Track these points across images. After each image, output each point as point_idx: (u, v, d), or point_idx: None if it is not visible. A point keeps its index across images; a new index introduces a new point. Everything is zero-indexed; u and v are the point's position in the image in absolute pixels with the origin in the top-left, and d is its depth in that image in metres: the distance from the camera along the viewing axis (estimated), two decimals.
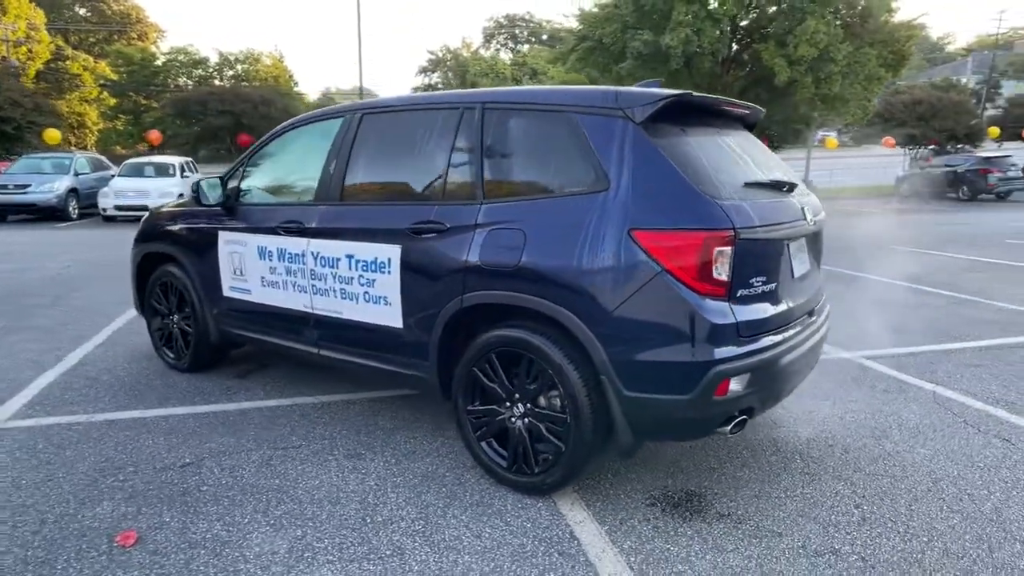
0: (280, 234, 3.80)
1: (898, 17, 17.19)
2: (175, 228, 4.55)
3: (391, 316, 3.35)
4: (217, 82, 46.63)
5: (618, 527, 2.78)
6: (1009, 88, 47.94)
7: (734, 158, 3.03)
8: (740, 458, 3.40)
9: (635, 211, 2.64)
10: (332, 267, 3.55)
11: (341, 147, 3.64)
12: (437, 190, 3.25)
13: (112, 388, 4.39)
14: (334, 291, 3.57)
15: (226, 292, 4.21)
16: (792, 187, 3.16)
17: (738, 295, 2.66)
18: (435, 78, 56.44)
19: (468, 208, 3.08)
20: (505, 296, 2.91)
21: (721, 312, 2.59)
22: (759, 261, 2.77)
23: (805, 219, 3.11)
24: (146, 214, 5.05)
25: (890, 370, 4.76)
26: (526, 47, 56.68)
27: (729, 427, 2.72)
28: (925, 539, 2.69)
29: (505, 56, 56.00)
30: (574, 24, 20.66)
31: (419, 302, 3.23)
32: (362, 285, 3.44)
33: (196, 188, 4.08)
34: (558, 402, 2.90)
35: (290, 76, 50.06)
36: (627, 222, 2.64)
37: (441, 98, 3.49)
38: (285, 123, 4.18)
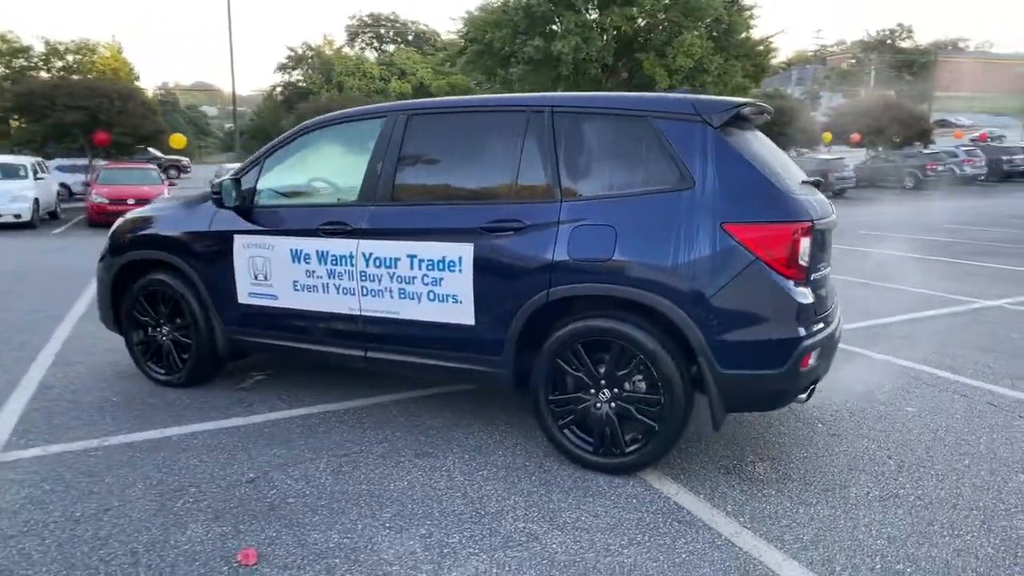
0: (319, 236, 3.69)
1: (758, 34, 19.16)
2: (169, 233, 4.23)
3: (461, 313, 3.39)
4: (44, 74, 41.65)
5: (711, 495, 3.05)
6: (826, 98, 54.46)
7: (782, 157, 3.41)
8: (773, 427, 3.80)
9: (723, 207, 2.93)
10: (389, 267, 3.52)
11: (388, 148, 3.62)
12: (508, 190, 3.34)
13: (104, 409, 4.01)
14: (390, 292, 3.54)
15: (242, 299, 3.99)
16: (820, 184, 3.60)
17: (811, 279, 3.03)
18: (296, 75, 54.04)
19: (548, 207, 3.21)
20: (599, 288, 3.09)
21: (803, 294, 2.95)
22: (819, 249, 3.16)
23: (833, 213, 3.57)
24: (119, 221, 4.62)
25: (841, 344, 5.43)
26: (392, 47, 55.86)
27: (806, 395, 3.08)
28: (954, 477, 3.22)
29: (371, 55, 54.81)
30: (459, 26, 20.85)
31: (496, 298, 3.31)
32: (426, 284, 3.45)
33: (219, 189, 3.83)
34: (643, 385, 3.12)
35: (131, 69, 45.86)
36: (718, 216, 2.92)
37: (502, 101, 3.59)
38: (307, 123, 4.03)
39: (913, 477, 3.22)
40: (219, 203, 3.90)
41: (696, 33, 17.07)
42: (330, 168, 4.03)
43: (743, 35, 18.42)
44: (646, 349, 3.02)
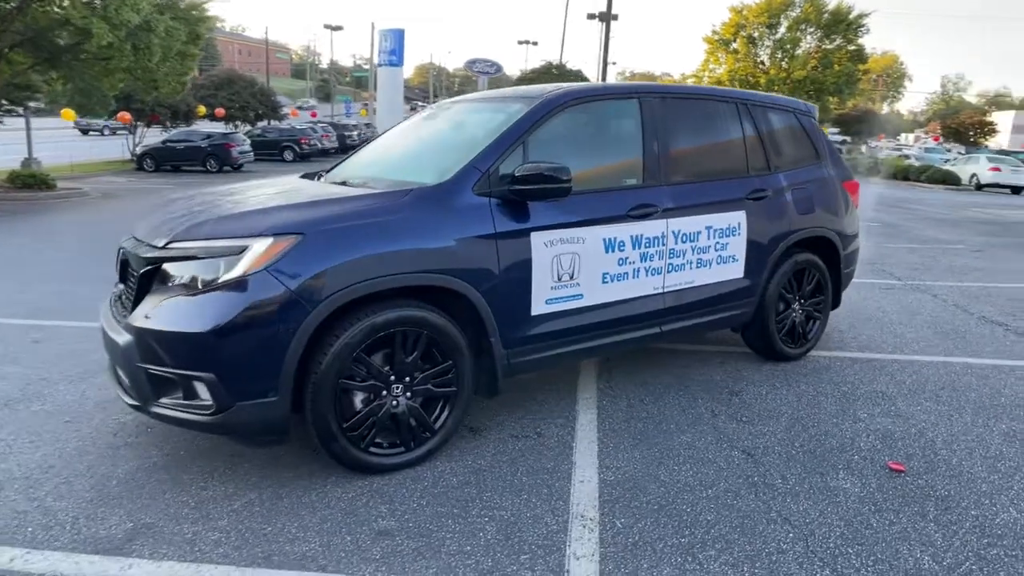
0: (629, 220, 3.54)
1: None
2: (429, 244, 2.90)
3: (737, 270, 4.10)
4: None
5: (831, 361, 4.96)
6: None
7: None
8: None
9: (837, 172, 4.76)
10: (692, 241, 3.81)
11: (657, 129, 3.76)
12: (743, 165, 4.19)
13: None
14: (690, 263, 3.84)
15: (537, 310, 3.29)
16: None
17: None
18: None
19: (774, 177, 4.29)
20: (812, 231, 4.45)
21: None
22: None
23: None
24: (274, 240, 2.61)
25: None
26: None
27: None
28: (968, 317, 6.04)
29: None
30: None
31: (758, 251, 4.17)
32: (717, 250, 3.96)
33: (544, 175, 3.02)
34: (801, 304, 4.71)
35: None
36: (839, 178, 4.74)
37: (715, 91, 4.23)
38: (556, 98, 3.43)
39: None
40: (512, 195, 3.10)
41: None
42: (590, 148, 3.63)
43: None
44: (822, 270, 4.63)
